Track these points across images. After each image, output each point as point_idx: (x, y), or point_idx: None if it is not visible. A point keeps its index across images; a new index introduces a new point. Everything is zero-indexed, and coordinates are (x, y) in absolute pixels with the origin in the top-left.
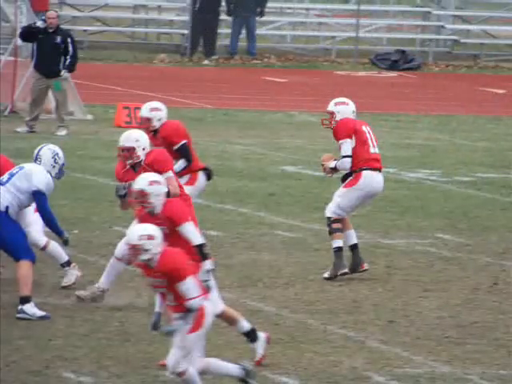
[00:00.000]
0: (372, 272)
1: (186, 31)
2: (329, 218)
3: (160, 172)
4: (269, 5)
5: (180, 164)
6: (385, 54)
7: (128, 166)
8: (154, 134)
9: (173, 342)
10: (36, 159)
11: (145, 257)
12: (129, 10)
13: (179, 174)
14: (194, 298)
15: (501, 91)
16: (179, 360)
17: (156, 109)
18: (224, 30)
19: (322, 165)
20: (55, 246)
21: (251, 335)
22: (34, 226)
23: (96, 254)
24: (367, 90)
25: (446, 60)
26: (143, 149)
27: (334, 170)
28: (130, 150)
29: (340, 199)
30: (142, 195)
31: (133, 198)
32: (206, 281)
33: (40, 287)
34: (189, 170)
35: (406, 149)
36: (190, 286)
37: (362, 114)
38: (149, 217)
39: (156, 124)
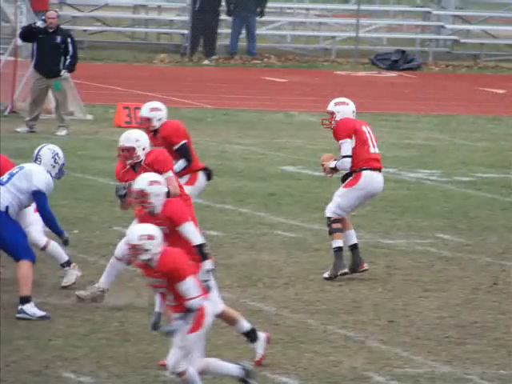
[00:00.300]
0: (372, 272)
1: (186, 31)
2: (329, 218)
3: (160, 172)
4: (269, 5)
5: (180, 164)
6: (385, 53)
7: (128, 166)
8: (154, 134)
9: (173, 342)
10: (36, 159)
11: (145, 257)
12: (129, 10)
13: (179, 174)
14: (193, 298)
15: (501, 91)
16: (179, 360)
17: (156, 109)
18: (224, 30)
19: (322, 165)
20: (55, 246)
21: (251, 335)
22: (34, 225)
23: (96, 254)
24: (367, 90)
25: (446, 60)
26: (143, 149)
27: (334, 170)
28: (130, 150)
29: (340, 199)
30: (142, 195)
31: (133, 198)
32: (206, 281)
33: (40, 287)
34: (189, 170)
35: (406, 149)
36: (189, 285)
37: (362, 114)
38: (149, 217)
39: (156, 124)
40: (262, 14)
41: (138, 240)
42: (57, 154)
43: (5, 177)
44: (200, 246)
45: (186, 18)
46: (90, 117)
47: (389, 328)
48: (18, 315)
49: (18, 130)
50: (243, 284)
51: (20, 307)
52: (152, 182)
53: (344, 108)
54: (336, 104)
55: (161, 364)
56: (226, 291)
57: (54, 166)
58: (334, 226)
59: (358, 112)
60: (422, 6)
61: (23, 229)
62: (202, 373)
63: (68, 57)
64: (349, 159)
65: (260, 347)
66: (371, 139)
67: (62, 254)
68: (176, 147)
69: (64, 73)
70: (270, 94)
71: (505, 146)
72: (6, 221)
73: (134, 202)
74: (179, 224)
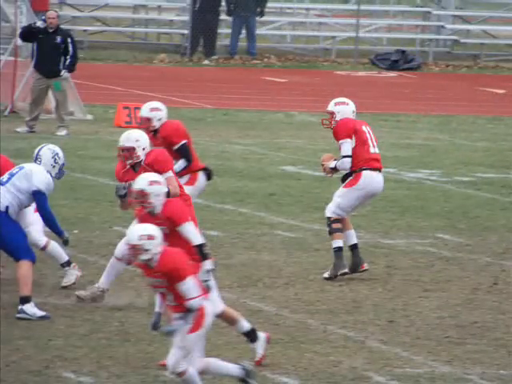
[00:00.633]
0: (372, 272)
1: (186, 31)
2: (329, 218)
3: (160, 172)
4: (269, 5)
5: (180, 164)
6: (385, 54)
7: (128, 166)
8: (154, 134)
9: (173, 342)
10: (36, 159)
11: (145, 257)
12: (129, 10)
13: (179, 174)
14: (193, 297)
15: (501, 91)
16: (179, 360)
17: (156, 109)
18: (224, 30)
19: (322, 165)
20: (55, 246)
21: (251, 335)
22: (34, 225)
23: (96, 254)
24: (367, 90)
25: (446, 60)
26: (143, 149)
27: (334, 170)
28: (130, 150)
29: (340, 199)
30: (142, 195)
31: (133, 198)
32: (206, 281)
33: (40, 287)
34: (189, 170)
35: (406, 149)
36: (189, 285)
37: (362, 114)
38: (149, 217)
39: (156, 124)
40: (262, 13)
41: (138, 240)
42: (57, 153)
43: (5, 177)
44: (200, 246)
45: (186, 17)
46: (90, 117)
47: (389, 328)
48: (18, 315)
49: (18, 130)
50: (243, 284)
51: (20, 307)
52: (152, 182)
53: (344, 108)
54: (336, 104)
55: (161, 364)
56: (226, 291)
57: (54, 166)
58: (334, 226)
59: (358, 112)
60: (421, 6)
61: (23, 229)
62: (202, 373)
63: (68, 57)
64: (349, 159)
65: (260, 347)
66: (371, 139)
67: (62, 254)
68: (176, 147)
69: (64, 73)
70: (270, 94)
71: (505, 146)
72: (6, 221)
73: (134, 202)
74: (179, 224)
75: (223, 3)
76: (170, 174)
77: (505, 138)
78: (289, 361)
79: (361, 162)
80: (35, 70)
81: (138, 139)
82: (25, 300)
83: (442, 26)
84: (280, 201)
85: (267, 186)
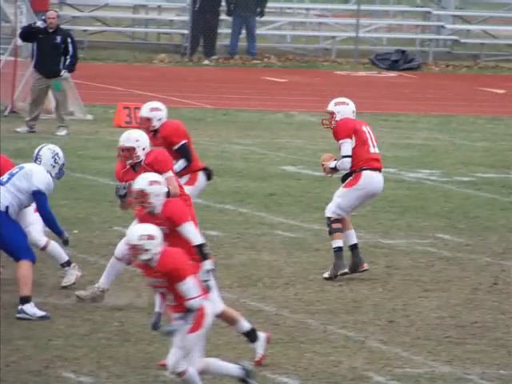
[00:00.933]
0: (372, 272)
1: (186, 31)
2: (329, 218)
3: (160, 172)
4: (269, 5)
5: (180, 164)
6: (385, 54)
7: (128, 166)
8: (154, 134)
9: (173, 342)
10: (36, 159)
11: (145, 257)
12: (129, 10)
13: (179, 174)
14: (193, 297)
15: (501, 91)
16: (179, 360)
17: (156, 109)
18: (224, 30)
19: (322, 165)
20: (55, 246)
21: (251, 335)
22: (34, 225)
23: (96, 254)
24: (367, 90)
25: (446, 60)
26: (143, 149)
27: (334, 170)
28: (130, 150)
29: (340, 199)
30: (142, 195)
31: (133, 198)
32: (206, 281)
33: (40, 287)
34: (189, 170)
35: (406, 149)
36: (189, 285)
37: (362, 114)
38: (149, 217)
39: (156, 124)
40: (262, 13)
41: (138, 240)
42: (57, 153)
43: (5, 177)
44: (200, 246)
45: (186, 17)
46: (90, 117)
47: (389, 328)
48: (18, 315)
49: (18, 129)
50: (243, 284)
51: (20, 307)
52: (152, 182)
53: (344, 108)
54: (336, 104)
55: (161, 364)
56: (225, 291)
57: (54, 166)
58: (334, 226)
59: (358, 112)
60: (421, 6)
61: (23, 229)
62: (202, 373)
63: (68, 57)
64: (349, 159)
65: (260, 347)
66: (371, 139)
67: (62, 254)
68: (176, 147)
69: (64, 73)
70: (270, 94)
71: (505, 146)
72: (6, 221)
73: (134, 202)
74: (179, 224)
75: (223, 3)
76: (170, 173)
77: (505, 138)
78: (289, 361)
79: (361, 162)
80: (35, 70)
81: (138, 139)
82: (25, 300)
83: (442, 26)
84: (280, 201)
85: (267, 186)
